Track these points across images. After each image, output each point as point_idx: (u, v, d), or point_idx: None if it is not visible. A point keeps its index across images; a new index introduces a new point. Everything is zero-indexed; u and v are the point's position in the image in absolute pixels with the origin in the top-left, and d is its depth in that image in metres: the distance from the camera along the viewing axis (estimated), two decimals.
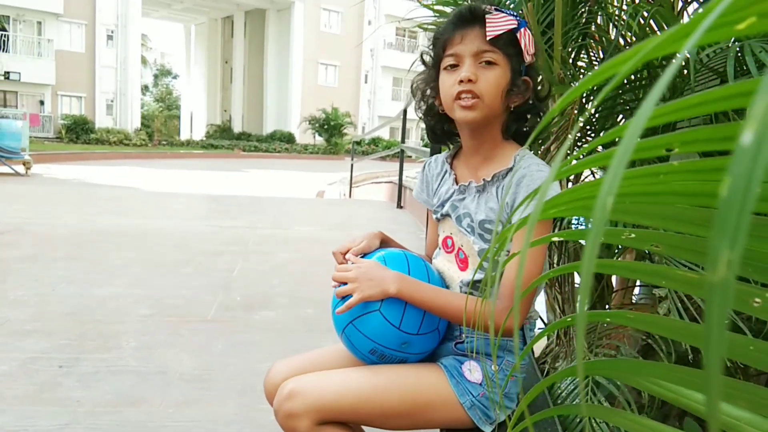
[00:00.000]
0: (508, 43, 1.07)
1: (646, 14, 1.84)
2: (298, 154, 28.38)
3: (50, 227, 4.47)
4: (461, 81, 1.07)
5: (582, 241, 1.91)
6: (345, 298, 1.10)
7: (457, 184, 1.19)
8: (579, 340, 0.24)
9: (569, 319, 0.58)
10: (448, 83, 1.11)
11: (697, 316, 1.20)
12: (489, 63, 1.07)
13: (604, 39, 2.02)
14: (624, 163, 0.24)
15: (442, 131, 1.22)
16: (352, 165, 10.62)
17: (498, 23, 1.06)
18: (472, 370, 1.13)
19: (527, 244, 0.33)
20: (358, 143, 24.88)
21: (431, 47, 1.18)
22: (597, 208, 0.24)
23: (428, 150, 4.99)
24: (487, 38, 1.06)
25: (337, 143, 29.41)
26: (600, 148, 1.18)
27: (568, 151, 1.61)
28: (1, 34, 23.46)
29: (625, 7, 2.07)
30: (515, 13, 1.09)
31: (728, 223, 0.21)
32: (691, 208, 0.39)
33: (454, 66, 1.10)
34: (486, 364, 1.14)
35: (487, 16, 1.07)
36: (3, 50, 22.97)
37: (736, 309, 0.42)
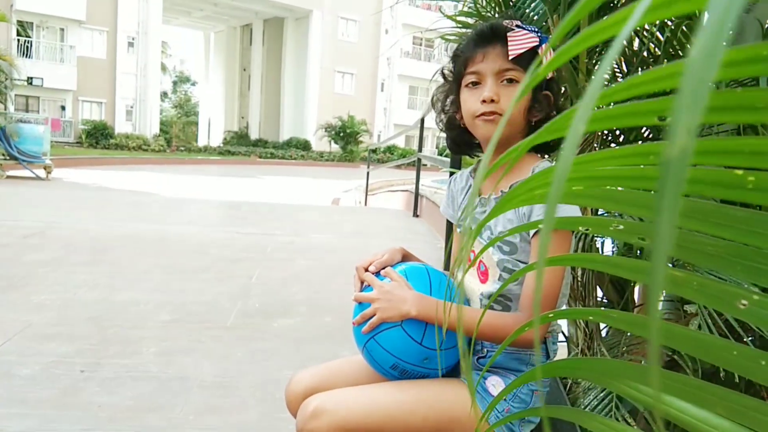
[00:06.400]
0: (530, 60, 1.07)
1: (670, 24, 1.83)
2: (314, 162, 28.51)
3: (72, 231, 4.52)
4: (483, 101, 1.08)
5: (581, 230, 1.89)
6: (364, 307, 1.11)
7: (479, 196, 1.20)
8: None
9: (551, 315, 0.56)
10: (470, 101, 1.11)
11: (728, 333, 1.18)
12: (511, 81, 1.08)
13: (627, 50, 2.01)
14: (578, 138, 0.23)
15: (463, 143, 1.23)
16: (368, 173, 10.64)
17: (520, 41, 1.06)
18: (496, 385, 1.12)
19: (542, 259, 0.33)
20: (374, 151, 24.94)
21: (452, 63, 1.18)
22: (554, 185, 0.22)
23: (444, 159, 4.99)
24: (510, 58, 1.06)
25: (352, 151, 29.51)
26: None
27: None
28: (25, 41, 23.91)
29: None
30: (537, 29, 1.09)
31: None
32: (683, 198, 0.36)
33: (475, 84, 1.11)
34: (508, 379, 1.13)
35: (508, 34, 1.07)
36: (26, 56, 23.37)
37: (720, 311, 0.40)
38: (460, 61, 1.14)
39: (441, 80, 1.23)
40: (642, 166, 0.37)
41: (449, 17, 2.17)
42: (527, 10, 1.95)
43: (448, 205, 1.30)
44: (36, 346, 2.30)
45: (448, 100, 1.20)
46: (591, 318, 0.63)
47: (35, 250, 3.84)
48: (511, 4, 2.02)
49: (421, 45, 34.81)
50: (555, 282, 1.03)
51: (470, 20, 2.13)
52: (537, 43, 1.07)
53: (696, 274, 0.40)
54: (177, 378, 2.09)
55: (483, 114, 1.08)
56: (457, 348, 1.13)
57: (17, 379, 2.01)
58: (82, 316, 2.65)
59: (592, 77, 0.23)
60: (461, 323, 1.06)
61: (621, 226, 0.43)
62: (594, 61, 1.91)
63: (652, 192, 0.38)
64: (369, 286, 1.13)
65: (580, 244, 1.61)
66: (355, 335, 1.14)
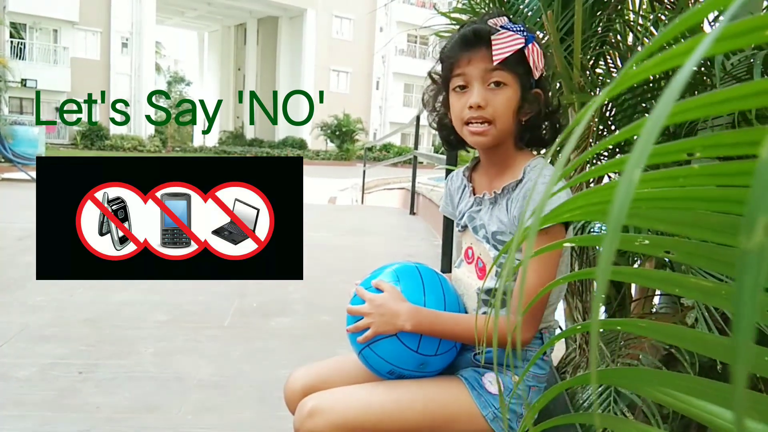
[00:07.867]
0: (516, 61, 1.05)
1: (663, 18, 1.83)
2: (310, 160, 28.45)
3: None
4: (471, 107, 1.06)
5: (599, 248, 1.89)
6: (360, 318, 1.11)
7: (474, 195, 1.20)
8: (593, 348, 0.24)
9: (578, 327, 0.57)
10: (458, 107, 1.10)
11: (724, 326, 1.19)
12: (498, 84, 1.06)
13: (621, 45, 2.01)
14: (645, 157, 0.22)
15: (456, 140, 1.22)
16: (364, 171, 10.64)
17: (504, 44, 1.04)
18: (493, 382, 1.12)
19: (528, 255, 0.33)
20: (370, 149, 24.93)
21: (439, 64, 1.17)
22: (615, 202, 0.22)
23: (441, 156, 4.98)
24: (494, 62, 1.04)
25: (348, 149, 29.47)
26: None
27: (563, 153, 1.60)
28: (18, 42, 23.77)
29: (642, 12, 2.06)
30: (522, 28, 1.07)
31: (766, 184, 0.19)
32: (708, 213, 0.38)
33: (463, 87, 1.09)
34: (506, 376, 1.13)
35: (492, 37, 1.04)
36: (20, 58, 23.23)
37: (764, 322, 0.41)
38: (446, 65, 1.12)
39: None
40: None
41: (443, 14, 2.17)
42: (521, 6, 1.95)
43: (447, 203, 1.31)
44: (32, 347, 2.29)
45: (439, 99, 1.19)
46: (619, 328, 0.63)
47: (30, 252, 3.81)
48: (504, 0, 2.02)
49: (415, 42, 34.79)
50: (546, 281, 1.03)
51: (464, 17, 2.12)
52: (522, 44, 1.05)
53: (724, 284, 0.41)
54: (175, 378, 2.09)
55: (471, 121, 1.08)
56: (454, 350, 1.14)
57: (14, 381, 2.00)
58: (79, 318, 2.64)
59: (650, 116, 0.22)
60: (458, 334, 1.07)
61: (647, 241, 0.44)
62: (589, 57, 1.91)
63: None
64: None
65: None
66: (350, 341, 1.14)
